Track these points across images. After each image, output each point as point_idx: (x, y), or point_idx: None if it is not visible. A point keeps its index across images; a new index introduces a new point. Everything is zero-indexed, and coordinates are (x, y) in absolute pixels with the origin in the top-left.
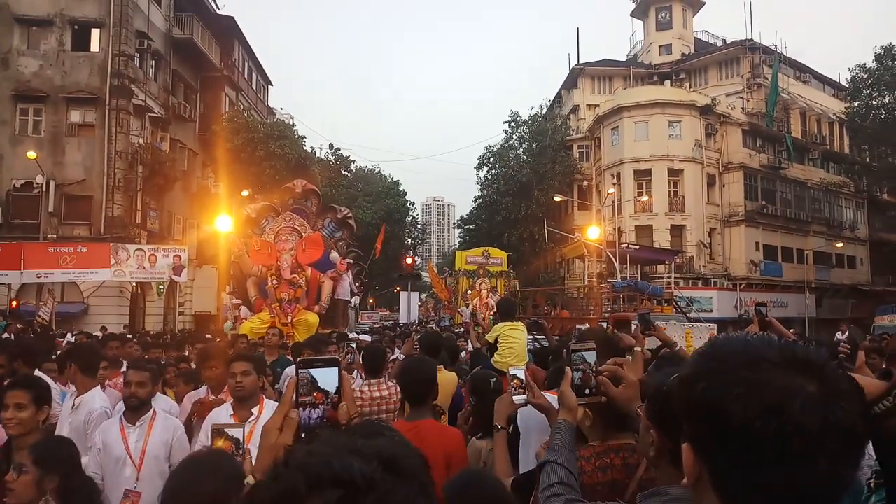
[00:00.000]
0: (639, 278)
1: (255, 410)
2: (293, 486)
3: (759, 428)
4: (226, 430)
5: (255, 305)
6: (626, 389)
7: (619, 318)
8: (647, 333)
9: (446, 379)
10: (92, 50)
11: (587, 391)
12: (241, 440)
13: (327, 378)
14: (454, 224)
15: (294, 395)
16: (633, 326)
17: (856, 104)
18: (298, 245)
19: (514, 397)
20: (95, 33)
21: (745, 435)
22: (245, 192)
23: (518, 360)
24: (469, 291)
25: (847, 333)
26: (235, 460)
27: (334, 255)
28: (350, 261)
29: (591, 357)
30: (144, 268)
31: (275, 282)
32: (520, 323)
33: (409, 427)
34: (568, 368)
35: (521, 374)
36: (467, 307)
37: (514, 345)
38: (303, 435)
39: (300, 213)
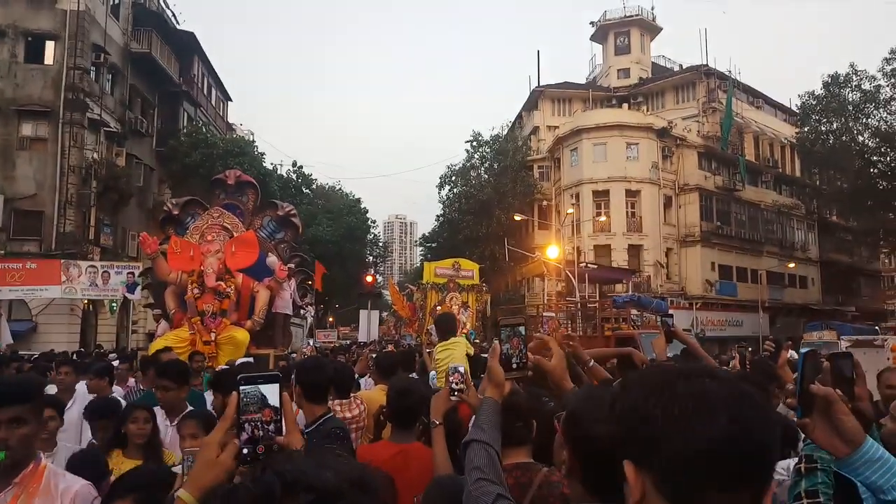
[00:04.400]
0: (598, 297)
1: (15, 487)
2: (270, 488)
3: (685, 413)
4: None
5: (174, 319)
6: (558, 361)
7: (623, 336)
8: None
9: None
10: (46, 62)
11: (515, 364)
12: None
13: (272, 396)
14: (416, 242)
15: (237, 412)
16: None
17: (806, 129)
18: (227, 246)
19: (452, 396)
20: (50, 46)
21: (672, 423)
22: None
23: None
24: (439, 307)
25: (771, 336)
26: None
27: (272, 258)
28: (293, 265)
29: (522, 332)
30: (97, 285)
31: (196, 291)
32: (457, 339)
33: (397, 450)
34: (496, 343)
35: (462, 370)
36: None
37: (444, 362)
38: (245, 451)
39: (233, 210)
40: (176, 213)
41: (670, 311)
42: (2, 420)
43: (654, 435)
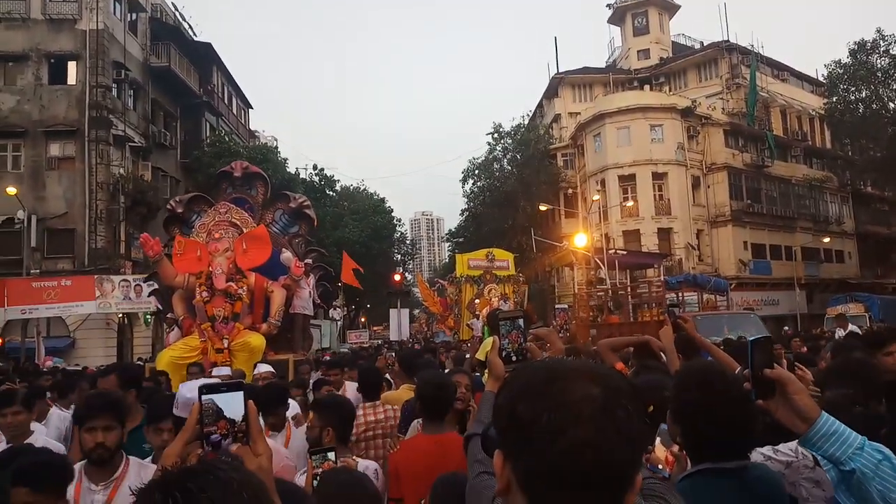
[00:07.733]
0: (628, 283)
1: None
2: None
3: (544, 421)
4: None
5: (184, 327)
6: (554, 354)
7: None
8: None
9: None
10: (69, 83)
11: (514, 358)
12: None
13: (232, 405)
14: (443, 238)
15: (198, 423)
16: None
17: (834, 99)
18: (237, 244)
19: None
20: (72, 66)
21: (533, 428)
22: None
23: None
24: (477, 300)
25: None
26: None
27: (286, 254)
28: (310, 261)
29: (521, 325)
30: (130, 298)
31: (205, 294)
32: None
33: (433, 441)
34: (496, 337)
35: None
36: (477, 318)
37: None
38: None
39: (241, 205)
40: (180, 211)
41: (675, 303)
42: (99, 426)
43: (520, 438)
